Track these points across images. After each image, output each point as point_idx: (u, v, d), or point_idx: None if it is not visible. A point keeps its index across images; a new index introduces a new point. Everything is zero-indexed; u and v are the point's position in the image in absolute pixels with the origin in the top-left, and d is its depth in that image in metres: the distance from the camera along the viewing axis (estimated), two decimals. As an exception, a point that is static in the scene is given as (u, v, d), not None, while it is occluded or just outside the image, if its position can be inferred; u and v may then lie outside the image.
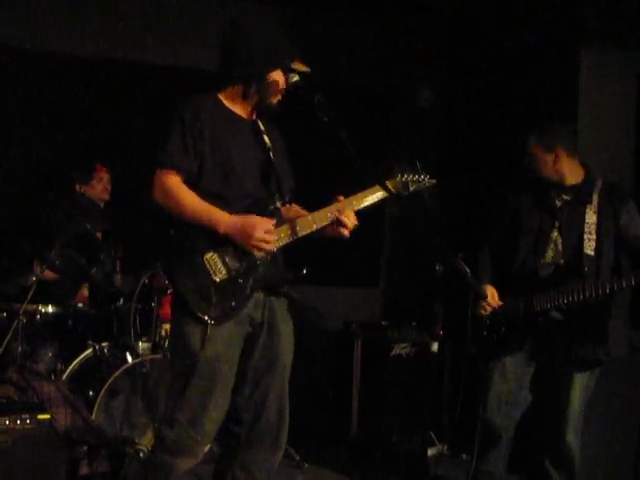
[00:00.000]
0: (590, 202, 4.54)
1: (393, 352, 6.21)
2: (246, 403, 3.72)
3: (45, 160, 6.57)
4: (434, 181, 3.92)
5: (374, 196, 3.78)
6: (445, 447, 5.49)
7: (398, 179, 3.82)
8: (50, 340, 5.48)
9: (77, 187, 6.06)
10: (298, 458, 5.62)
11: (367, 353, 6.30)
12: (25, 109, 6.63)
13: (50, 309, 5.50)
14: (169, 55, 6.95)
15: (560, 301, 4.41)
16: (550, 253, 4.59)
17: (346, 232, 3.69)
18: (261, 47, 3.66)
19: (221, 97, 3.76)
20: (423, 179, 3.90)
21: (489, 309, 4.61)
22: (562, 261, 4.54)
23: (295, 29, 6.72)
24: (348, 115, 3.55)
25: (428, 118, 7.31)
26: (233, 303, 3.56)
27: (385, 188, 3.70)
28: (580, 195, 4.59)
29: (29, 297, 5.18)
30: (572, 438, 4.56)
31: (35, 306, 5.41)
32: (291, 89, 3.71)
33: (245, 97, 3.74)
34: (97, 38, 6.79)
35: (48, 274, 5.58)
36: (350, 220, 3.68)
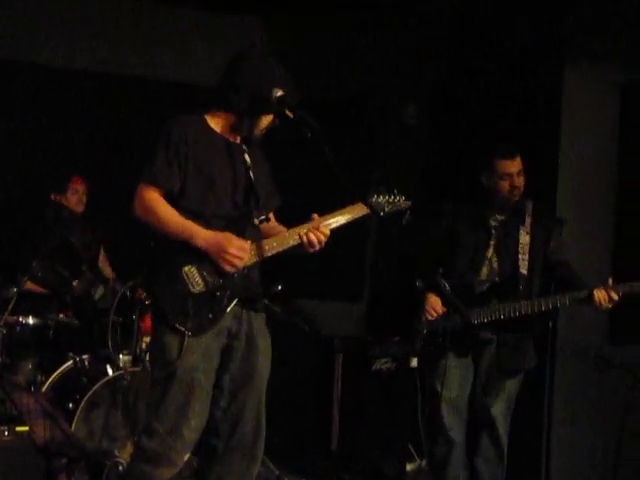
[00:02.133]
0: (523, 223, 4.80)
1: (374, 367, 6.23)
2: (223, 415, 3.75)
3: (30, 173, 6.56)
4: (409, 203, 3.96)
5: (349, 216, 3.82)
6: (424, 462, 5.50)
7: (374, 200, 3.85)
8: (30, 351, 5.46)
9: (53, 197, 6.06)
10: (277, 472, 5.59)
11: (348, 367, 6.30)
12: (12, 121, 6.63)
13: (30, 320, 5.48)
14: (162, 69, 6.97)
15: (497, 316, 4.62)
16: (485, 271, 4.82)
17: (309, 249, 3.72)
18: (264, 89, 3.68)
19: (207, 118, 3.80)
20: (399, 200, 3.95)
21: (434, 315, 4.73)
22: (497, 279, 4.78)
23: (285, 41, 6.83)
24: (333, 128, 3.57)
25: (414, 132, 7.32)
26: (210, 315, 3.61)
27: (364, 207, 3.75)
28: (514, 216, 4.83)
29: (9, 308, 5.16)
30: (503, 438, 4.79)
31: (15, 317, 5.39)
32: (275, 104, 3.73)
33: (234, 129, 3.80)
34: (88, 52, 6.80)
35: (30, 285, 5.58)
36: (317, 238, 3.70)
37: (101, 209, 6.29)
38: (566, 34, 5.73)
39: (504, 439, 4.83)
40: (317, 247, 3.71)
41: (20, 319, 5.43)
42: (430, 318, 4.76)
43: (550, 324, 5.05)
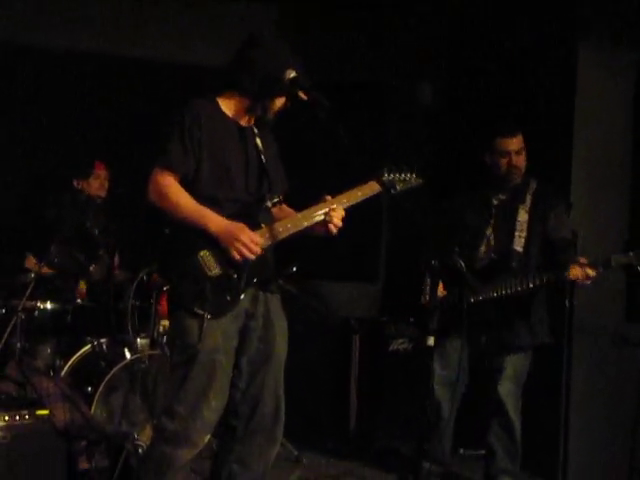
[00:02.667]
0: (523, 202, 4.93)
1: (391, 347, 6.24)
2: (242, 396, 3.78)
3: (46, 157, 6.56)
4: (421, 180, 3.99)
5: (361, 195, 3.84)
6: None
7: (385, 178, 3.86)
8: (49, 336, 5.50)
9: (75, 183, 6.08)
10: (296, 453, 5.63)
11: (365, 348, 6.32)
12: (27, 106, 6.63)
13: (48, 305, 5.52)
14: (172, 52, 6.95)
15: (490, 294, 4.78)
16: (483, 248, 4.98)
17: (334, 230, 3.75)
18: (278, 70, 3.69)
19: (220, 101, 3.81)
20: (410, 178, 3.97)
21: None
22: (493, 256, 4.93)
23: (294, 26, 6.82)
24: (343, 112, 3.57)
25: (423, 116, 7.30)
26: (228, 298, 3.63)
27: (376, 185, 3.79)
28: (515, 195, 4.97)
29: (28, 293, 5.19)
30: (514, 416, 4.94)
31: (34, 302, 5.43)
32: (288, 85, 3.72)
33: (248, 111, 3.80)
34: (98, 34, 6.78)
35: (47, 270, 5.61)
36: (337, 218, 3.74)
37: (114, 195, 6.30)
38: (579, 13, 5.70)
39: (514, 418, 4.94)
40: (338, 228, 3.74)
41: (38, 304, 5.47)
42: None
43: (567, 303, 5.05)
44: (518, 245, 4.86)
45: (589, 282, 4.67)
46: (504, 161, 4.94)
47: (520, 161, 4.95)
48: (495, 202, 5.02)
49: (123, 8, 6.90)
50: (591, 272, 4.62)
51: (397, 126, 7.31)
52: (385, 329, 6.31)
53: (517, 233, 4.87)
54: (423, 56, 7.25)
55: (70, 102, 6.67)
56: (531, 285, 4.74)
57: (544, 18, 5.93)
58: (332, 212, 3.73)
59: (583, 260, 4.64)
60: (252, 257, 3.61)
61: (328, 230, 3.75)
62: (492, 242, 4.96)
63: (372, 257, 7.48)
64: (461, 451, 5.79)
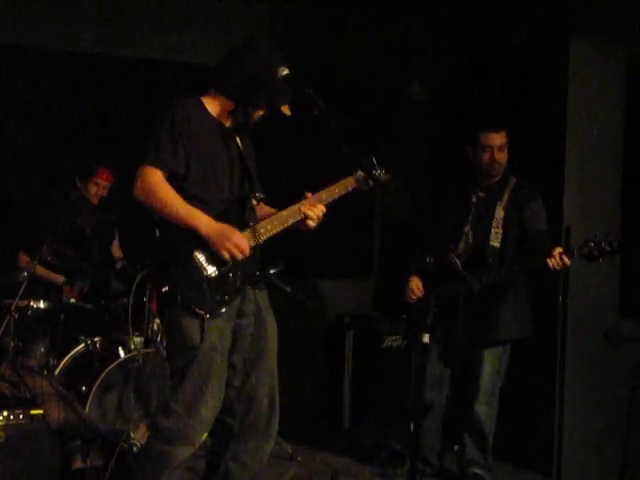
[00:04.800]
0: (501, 199, 5.01)
1: (385, 344, 6.24)
2: (237, 394, 3.81)
3: (39, 157, 6.52)
4: (389, 176, 4.04)
5: (338, 190, 3.92)
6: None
7: (359, 174, 3.92)
8: (42, 335, 5.48)
9: (77, 182, 6.06)
10: (290, 451, 5.62)
11: (359, 345, 6.32)
12: (24, 105, 6.58)
13: (42, 304, 5.50)
14: (167, 50, 6.92)
15: (469, 287, 4.77)
16: (462, 245, 5.07)
17: (312, 224, 3.80)
18: (267, 80, 3.72)
19: (204, 101, 3.83)
20: (379, 174, 3.99)
21: (414, 297, 5.08)
22: (471, 252, 5.01)
23: (289, 23, 6.81)
24: (340, 109, 3.58)
25: (420, 112, 7.29)
26: (226, 297, 3.66)
27: (352, 181, 3.91)
28: (493, 192, 5.05)
29: (20, 292, 5.17)
30: (482, 408, 5.04)
31: (27, 301, 5.41)
32: (281, 82, 3.73)
33: (231, 114, 3.83)
34: (94, 34, 6.75)
35: (39, 269, 5.59)
36: (316, 213, 3.78)
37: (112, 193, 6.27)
38: (572, 10, 5.70)
39: (480, 410, 5.04)
40: (317, 222, 3.79)
41: (31, 303, 5.45)
42: (412, 299, 5.08)
43: (561, 299, 5.07)
44: (495, 241, 4.95)
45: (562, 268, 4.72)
46: (486, 155, 5.01)
47: (502, 156, 5.02)
48: (474, 199, 5.10)
49: (125, 8, 6.85)
50: (567, 260, 4.64)
51: (388, 124, 7.31)
52: (379, 326, 6.32)
53: (493, 230, 4.96)
54: (415, 53, 7.25)
55: (66, 103, 6.63)
56: (508, 274, 4.82)
57: (536, 15, 5.93)
58: (306, 209, 3.77)
59: (558, 250, 4.66)
60: (241, 257, 3.63)
61: (307, 227, 3.80)
62: (470, 238, 5.05)
63: (366, 253, 7.49)
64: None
